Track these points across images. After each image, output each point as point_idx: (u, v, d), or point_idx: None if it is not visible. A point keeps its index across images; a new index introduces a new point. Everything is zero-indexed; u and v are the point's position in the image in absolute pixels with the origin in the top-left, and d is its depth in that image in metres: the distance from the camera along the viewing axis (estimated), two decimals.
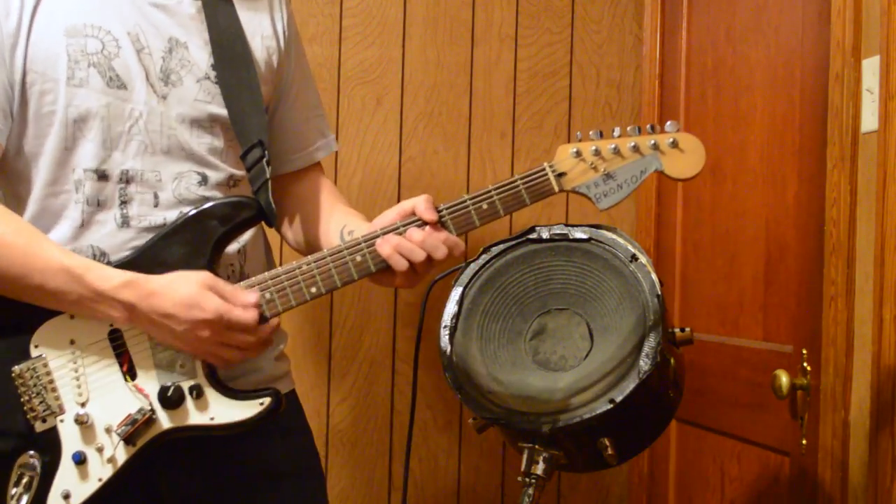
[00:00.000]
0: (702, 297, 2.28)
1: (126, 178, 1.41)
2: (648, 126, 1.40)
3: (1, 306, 1.36)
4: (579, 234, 1.53)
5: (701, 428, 2.24)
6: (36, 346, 1.36)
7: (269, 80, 1.56)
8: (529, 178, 1.41)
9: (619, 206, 2.58)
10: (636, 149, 1.39)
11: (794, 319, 1.93)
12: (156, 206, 1.43)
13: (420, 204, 1.41)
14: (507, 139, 2.57)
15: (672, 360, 1.65)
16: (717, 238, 2.22)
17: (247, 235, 1.53)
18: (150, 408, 1.34)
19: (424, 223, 1.41)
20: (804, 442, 1.85)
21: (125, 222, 1.41)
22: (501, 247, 1.56)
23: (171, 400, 1.35)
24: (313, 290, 1.39)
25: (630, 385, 1.48)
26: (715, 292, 2.23)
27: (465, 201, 1.41)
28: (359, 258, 1.39)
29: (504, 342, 1.64)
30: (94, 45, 1.40)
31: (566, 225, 1.54)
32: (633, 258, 1.49)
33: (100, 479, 1.34)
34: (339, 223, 1.56)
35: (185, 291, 1.32)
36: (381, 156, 2.48)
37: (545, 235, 1.55)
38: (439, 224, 1.40)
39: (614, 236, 1.51)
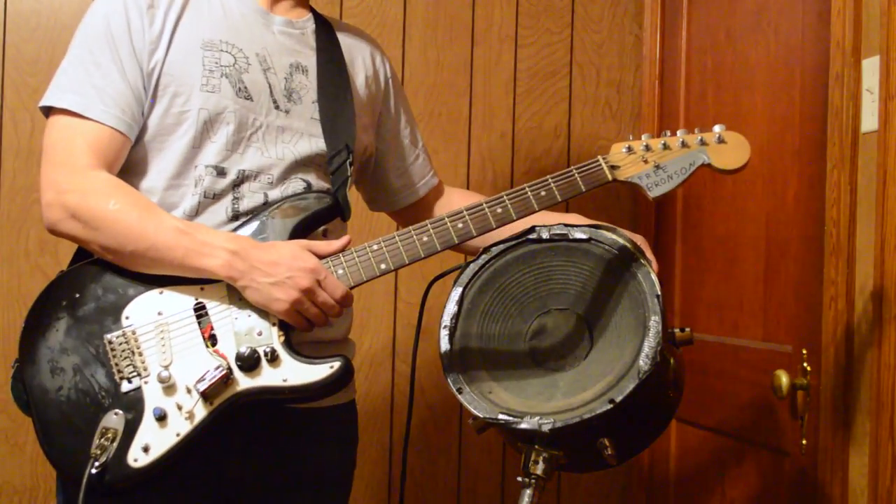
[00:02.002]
0: (702, 297, 2.28)
1: (242, 177, 1.56)
2: (696, 129, 1.51)
3: (99, 286, 1.49)
4: (579, 234, 1.53)
5: (701, 428, 2.24)
6: (127, 317, 1.48)
7: (368, 111, 1.75)
8: (584, 167, 1.52)
9: (618, 207, 2.61)
10: (684, 144, 1.51)
11: (794, 319, 1.93)
12: (264, 203, 1.56)
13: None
14: (507, 139, 2.57)
15: (672, 360, 1.65)
16: (717, 238, 2.22)
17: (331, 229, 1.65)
18: (227, 367, 1.44)
19: (499, 204, 1.52)
20: (804, 442, 1.85)
21: (235, 216, 1.55)
22: (501, 247, 1.56)
23: (247, 361, 1.45)
24: (383, 266, 1.50)
25: (630, 385, 1.48)
26: (715, 292, 2.23)
27: (523, 189, 1.52)
28: (425, 238, 1.50)
29: (504, 342, 1.64)
30: (227, 58, 1.57)
31: (566, 225, 1.54)
32: (633, 258, 1.50)
33: (177, 434, 1.43)
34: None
35: (289, 248, 1.47)
36: None
37: (545, 235, 1.55)
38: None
39: (614, 236, 1.51)
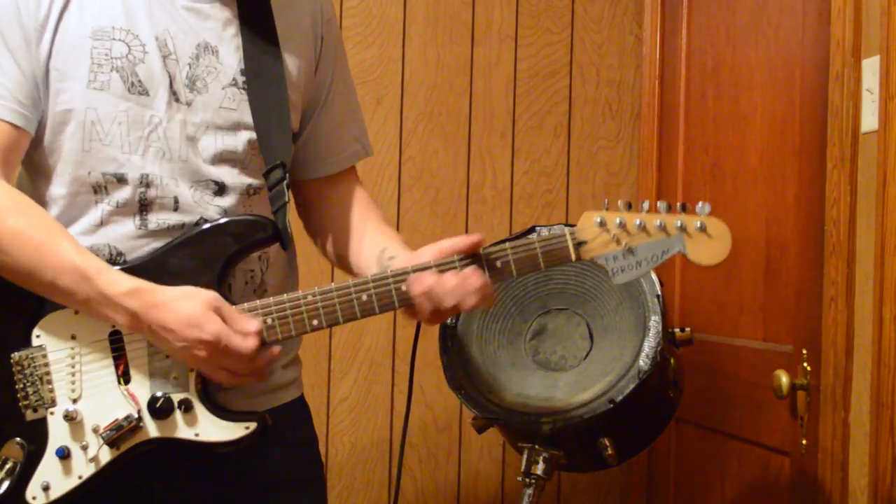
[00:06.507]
0: (702, 297, 2.28)
1: (146, 183, 1.42)
2: (679, 205, 1.36)
3: (8, 292, 1.37)
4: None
5: (701, 428, 2.24)
6: (38, 336, 1.38)
7: (302, 88, 1.56)
8: (547, 241, 1.36)
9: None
10: (662, 227, 1.35)
11: (794, 319, 1.93)
12: (175, 209, 1.43)
13: (462, 242, 1.38)
14: (507, 139, 2.57)
15: (672, 360, 1.65)
16: None
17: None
18: (137, 416, 1.36)
19: (465, 258, 1.37)
20: (804, 442, 1.85)
21: (143, 224, 1.42)
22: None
23: (159, 410, 1.36)
24: (315, 322, 1.38)
25: (630, 385, 1.48)
26: (715, 292, 2.23)
27: (477, 257, 1.37)
28: (364, 297, 1.38)
29: (504, 342, 1.64)
30: (119, 48, 1.40)
31: (566, 225, 1.54)
32: None
33: (80, 477, 1.35)
34: (374, 244, 1.54)
35: (188, 309, 1.31)
36: (381, 156, 2.48)
37: (545, 235, 1.55)
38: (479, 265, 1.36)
39: None
